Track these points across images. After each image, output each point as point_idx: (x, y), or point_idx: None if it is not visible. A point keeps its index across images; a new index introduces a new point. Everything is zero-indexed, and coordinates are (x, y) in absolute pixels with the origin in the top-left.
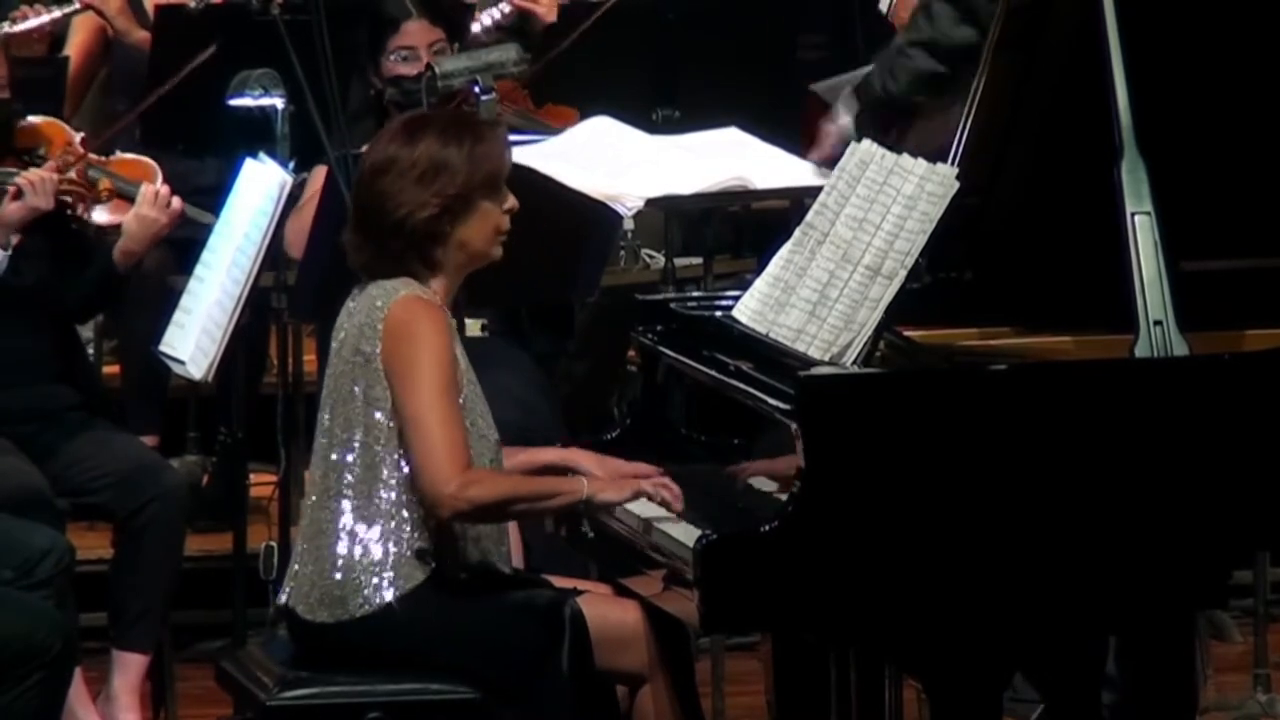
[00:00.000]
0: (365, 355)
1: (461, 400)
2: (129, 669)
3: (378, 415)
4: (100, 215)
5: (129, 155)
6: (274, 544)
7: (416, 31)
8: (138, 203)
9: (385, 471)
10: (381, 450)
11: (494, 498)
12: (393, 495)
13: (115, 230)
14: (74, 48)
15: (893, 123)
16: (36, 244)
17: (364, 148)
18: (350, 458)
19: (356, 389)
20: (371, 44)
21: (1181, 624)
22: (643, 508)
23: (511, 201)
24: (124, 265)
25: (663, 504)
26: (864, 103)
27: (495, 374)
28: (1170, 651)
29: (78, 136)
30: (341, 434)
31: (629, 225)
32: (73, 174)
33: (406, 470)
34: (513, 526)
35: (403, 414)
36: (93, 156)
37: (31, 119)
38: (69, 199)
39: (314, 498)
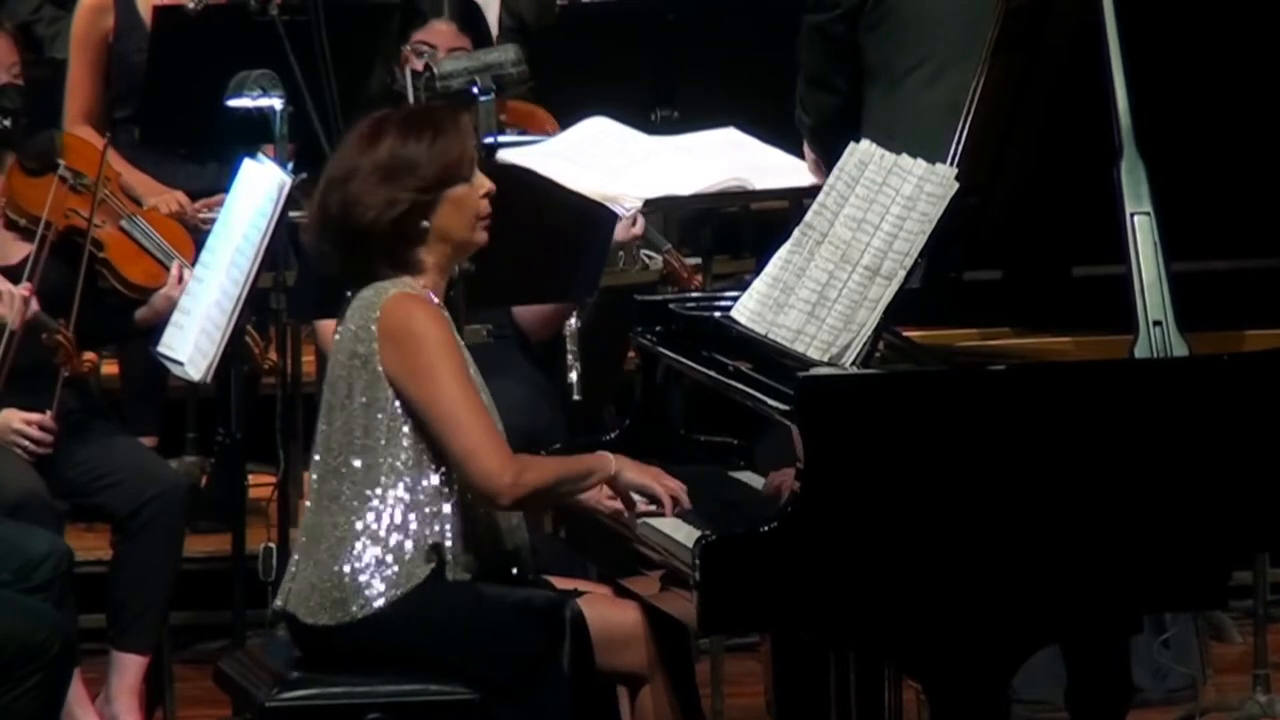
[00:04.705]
0: (362, 357)
1: None
2: (128, 670)
3: (378, 417)
4: (134, 273)
5: (166, 214)
6: (273, 545)
7: (443, 32)
8: (169, 284)
9: (385, 473)
10: (382, 451)
11: (547, 481)
12: (393, 496)
13: (139, 290)
14: (80, 65)
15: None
16: (60, 275)
17: None
18: (350, 460)
19: (355, 391)
20: (398, 34)
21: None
22: (644, 507)
23: (488, 184)
24: (142, 326)
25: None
26: (805, 137)
27: (498, 379)
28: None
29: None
30: (341, 436)
31: None
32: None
33: (406, 469)
34: None
35: (432, 416)
36: (135, 208)
37: (80, 139)
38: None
39: (312, 500)
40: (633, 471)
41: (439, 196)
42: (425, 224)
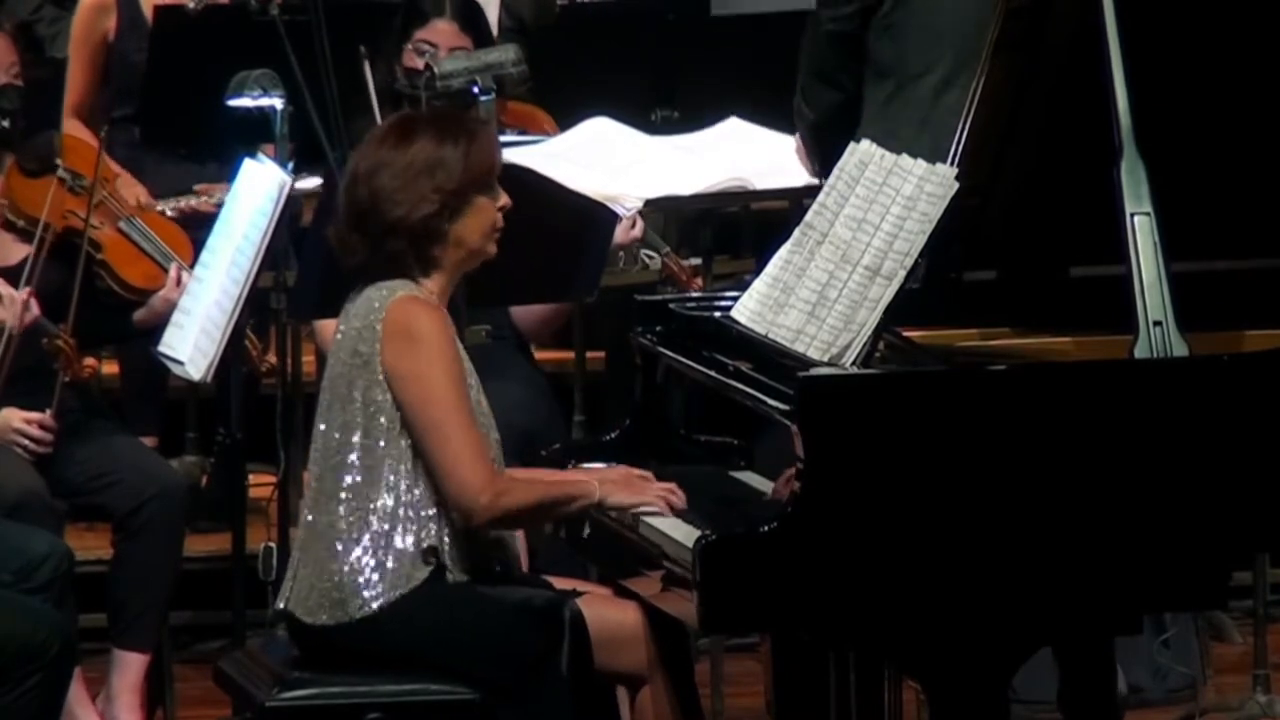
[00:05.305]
0: (364, 357)
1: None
2: (128, 669)
3: (380, 418)
4: (132, 275)
5: (166, 212)
6: (273, 545)
7: (444, 31)
8: (167, 286)
9: (385, 473)
10: (381, 452)
11: (526, 505)
12: (392, 497)
13: (137, 292)
14: (78, 62)
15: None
16: (59, 277)
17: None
18: (349, 459)
19: (355, 391)
20: (400, 32)
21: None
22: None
23: (505, 199)
24: (141, 327)
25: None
26: (801, 129)
27: (498, 380)
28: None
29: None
30: (340, 436)
31: None
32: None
33: (404, 470)
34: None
35: (420, 423)
36: (135, 210)
37: (80, 140)
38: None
39: (312, 500)
40: (618, 494)
41: (466, 202)
42: (448, 227)
